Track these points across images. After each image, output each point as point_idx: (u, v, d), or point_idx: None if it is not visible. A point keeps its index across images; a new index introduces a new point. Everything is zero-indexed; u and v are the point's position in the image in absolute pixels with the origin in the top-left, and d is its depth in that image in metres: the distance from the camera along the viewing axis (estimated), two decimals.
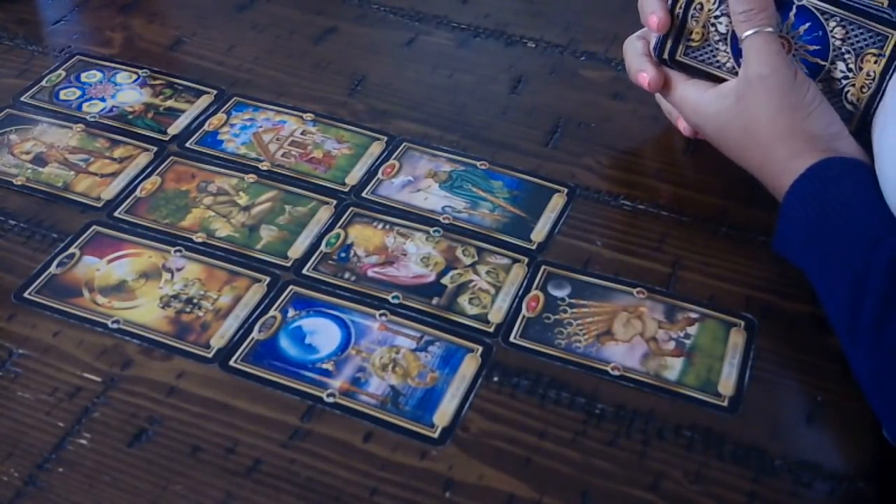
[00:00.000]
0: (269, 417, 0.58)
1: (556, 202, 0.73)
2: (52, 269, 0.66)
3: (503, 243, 0.69)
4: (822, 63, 0.69)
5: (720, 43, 0.71)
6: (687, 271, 0.68)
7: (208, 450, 0.56)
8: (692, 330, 0.64)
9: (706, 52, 0.72)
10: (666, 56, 0.73)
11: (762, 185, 0.69)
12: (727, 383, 0.61)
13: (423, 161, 0.76)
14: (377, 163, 0.75)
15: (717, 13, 0.70)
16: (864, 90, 0.68)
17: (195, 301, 0.64)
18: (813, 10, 0.68)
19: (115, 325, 0.63)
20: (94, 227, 0.69)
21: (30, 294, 0.65)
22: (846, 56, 0.68)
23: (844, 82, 0.68)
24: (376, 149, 0.77)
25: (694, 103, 0.71)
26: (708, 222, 0.72)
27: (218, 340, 0.62)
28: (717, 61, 0.71)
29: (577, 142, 0.78)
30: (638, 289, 0.66)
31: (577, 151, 0.77)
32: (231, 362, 0.61)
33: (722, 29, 0.70)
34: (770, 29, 0.67)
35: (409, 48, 0.88)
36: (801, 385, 0.62)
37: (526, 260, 0.68)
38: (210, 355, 0.61)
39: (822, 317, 0.64)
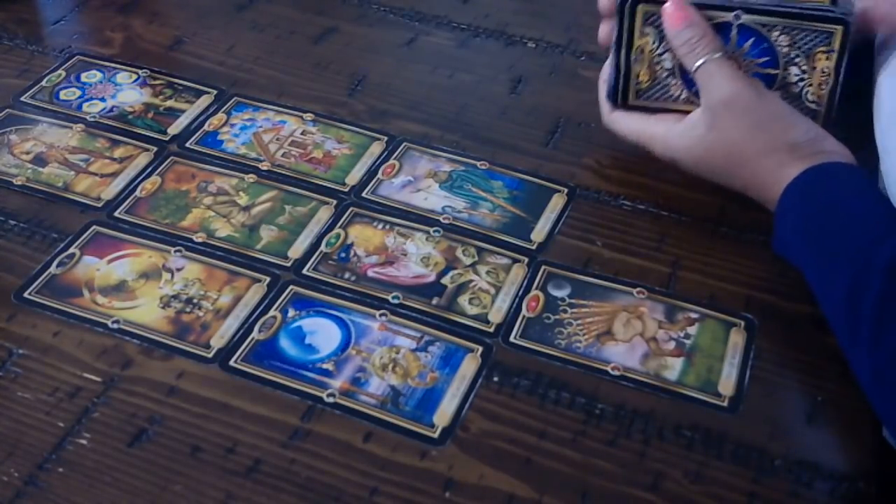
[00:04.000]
0: (269, 417, 0.58)
1: (556, 202, 0.73)
2: (52, 269, 0.66)
3: (503, 243, 0.69)
4: (775, 72, 0.69)
5: (669, 77, 0.71)
6: (687, 271, 0.68)
7: (208, 450, 0.56)
8: (692, 330, 0.64)
9: (658, 90, 0.72)
10: (619, 104, 0.73)
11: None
12: (727, 383, 0.61)
13: (423, 161, 0.76)
14: (377, 163, 0.75)
15: (660, 51, 0.70)
16: (823, 87, 0.68)
17: (195, 301, 0.64)
18: (753, 25, 0.68)
19: (115, 325, 0.63)
20: (94, 227, 0.69)
21: (30, 294, 0.65)
22: (797, 60, 0.68)
23: (801, 84, 0.69)
24: (376, 149, 0.77)
25: (663, 140, 0.71)
26: (708, 222, 0.72)
27: (218, 340, 0.62)
28: (671, 95, 0.72)
29: (577, 142, 0.78)
30: (638, 289, 0.66)
31: (577, 151, 0.77)
32: (231, 362, 0.61)
33: (668, 65, 0.71)
34: (718, 54, 0.67)
35: (409, 48, 0.88)
36: (801, 385, 0.62)
37: (526, 260, 0.68)
38: (210, 355, 0.61)
39: (822, 317, 0.64)
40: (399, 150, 0.76)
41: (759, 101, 0.66)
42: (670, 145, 0.70)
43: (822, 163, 0.64)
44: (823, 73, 0.68)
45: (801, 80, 0.69)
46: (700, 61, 0.67)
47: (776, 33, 0.68)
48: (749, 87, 0.66)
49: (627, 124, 0.73)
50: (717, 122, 0.67)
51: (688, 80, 0.70)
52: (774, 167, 0.65)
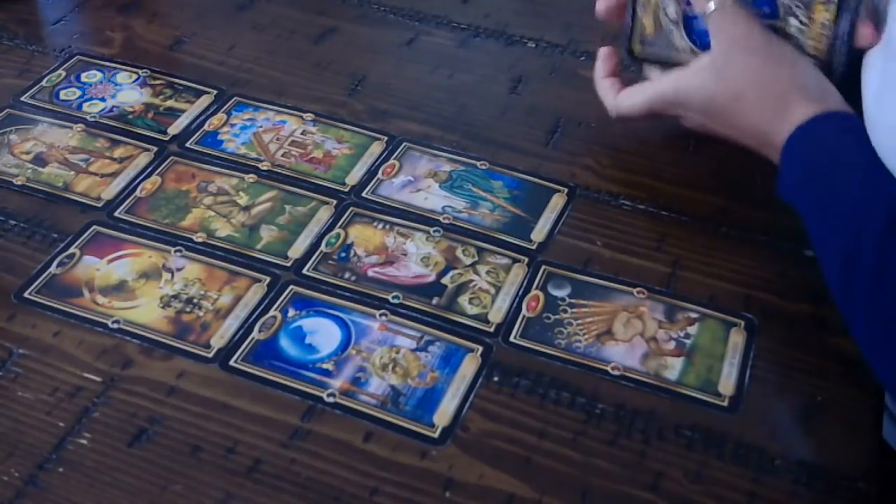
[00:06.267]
0: (269, 417, 0.58)
1: (556, 202, 0.73)
2: (53, 269, 0.66)
3: (503, 243, 0.69)
4: (776, 24, 0.69)
5: (673, 26, 0.72)
6: (687, 271, 0.68)
7: (208, 450, 0.56)
8: (692, 330, 0.64)
9: (661, 40, 0.73)
10: (626, 54, 0.75)
11: (761, 181, 0.69)
12: (727, 383, 0.61)
13: (423, 161, 0.76)
14: (377, 163, 0.75)
15: (664, 2, 0.72)
16: (822, 40, 0.69)
17: (195, 301, 0.64)
18: None
19: (115, 325, 0.63)
20: (94, 227, 0.69)
21: (30, 294, 0.65)
22: (797, 11, 0.69)
23: (800, 37, 0.69)
24: (376, 149, 0.77)
25: (672, 89, 0.70)
26: (708, 222, 0.72)
27: (218, 340, 0.62)
28: (674, 45, 0.73)
29: (577, 142, 0.78)
30: (638, 289, 0.66)
31: (577, 151, 0.77)
32: (231, 362, 0.61)
33: (672, 14, 0.72)
34: (730, 0, 0.68)
35: (409, 48, 0.88)
36: (801, 385, 0.62)
37: (526, 260, 0.68)
38: (210, 355, 0.61)
39: (822, 316, 0.64)
40: (399, 150, 0.76)
41: (770, 41, 0.67)
42: (680, 91, 0.70)
43: (831, 111, 0.64)
44: (823, 25, 0.68)
45: (800, 31, 0.69)
46: (713, 5, 0.68)
47: None
48: (761, 28, 0.67)
49: (634, 97, 0.73)
50: (728, 63, 0.67)
51: (690, 29, 0.71)
52: (781, 110, 0.65)
